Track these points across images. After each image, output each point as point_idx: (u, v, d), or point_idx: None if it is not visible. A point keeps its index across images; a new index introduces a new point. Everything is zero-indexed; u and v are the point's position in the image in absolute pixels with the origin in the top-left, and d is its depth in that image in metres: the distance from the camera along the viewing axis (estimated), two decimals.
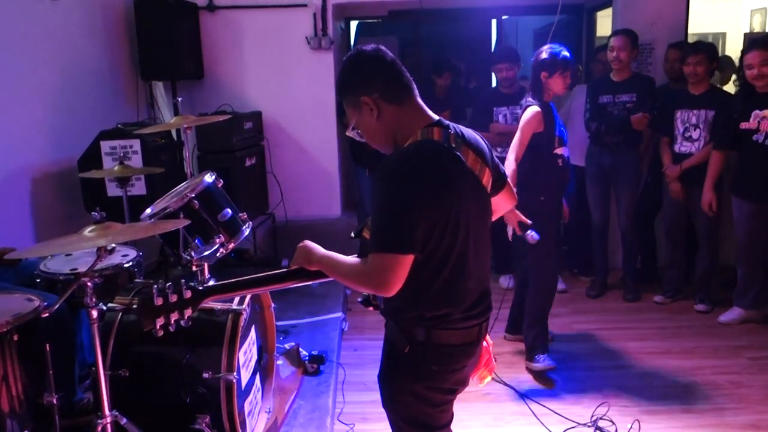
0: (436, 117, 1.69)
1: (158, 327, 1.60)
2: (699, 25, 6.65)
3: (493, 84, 5.54)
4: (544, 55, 3.36)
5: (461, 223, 1.60)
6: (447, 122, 1.68)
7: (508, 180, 1.85)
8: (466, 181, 1.63)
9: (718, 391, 3.29)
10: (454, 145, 1.62)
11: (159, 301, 1.59)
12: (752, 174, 3.87)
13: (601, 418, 3.00)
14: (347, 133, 1.77)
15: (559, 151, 3.44)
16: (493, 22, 6.92)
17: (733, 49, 7.84)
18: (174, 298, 1.61)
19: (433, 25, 6.82)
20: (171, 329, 1.63)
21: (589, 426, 2.98)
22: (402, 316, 1.68)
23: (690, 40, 4.99)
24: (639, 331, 4.03)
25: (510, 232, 3.39)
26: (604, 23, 5.67)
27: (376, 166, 5.15)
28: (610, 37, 4.38)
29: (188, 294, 1.63)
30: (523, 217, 3.25)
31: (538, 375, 3.47)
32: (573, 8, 5.80)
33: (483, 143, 1.73)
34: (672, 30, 4.83)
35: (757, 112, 3.76)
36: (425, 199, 1.53)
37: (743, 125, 3.83)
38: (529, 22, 7.56)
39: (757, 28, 6.85)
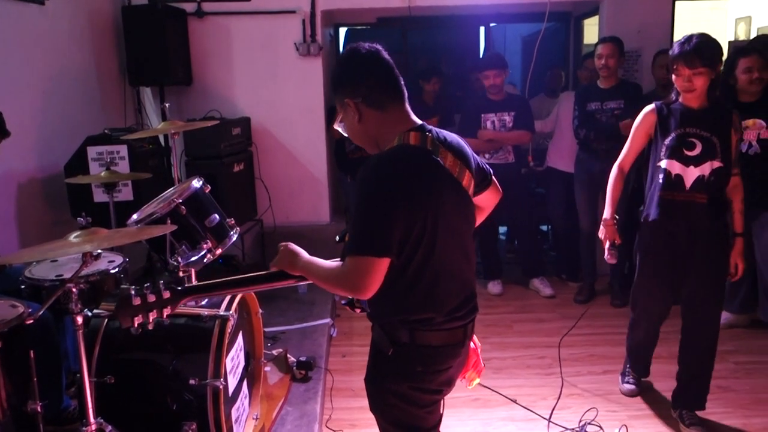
0: (418, 122, 1.69)
1: (136, 325, 1.64)
2: (684, 32, 6.72)
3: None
4: None
5: (440, 226, 1.61)
6: (429, 127, 1.69)
7: (493, 178, 1.86)
8: (443, 184, 1.63)
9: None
10: (431, 149, 1.63)
11: (137, 301, 1.62)
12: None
13: (589, 423, 3.01)
14: (334, 126, 1.80)
15: (661, 163, 2.84)
16: (482, 29, 6.97)
17: None
18: (152, 298, 1.64)
19: (422, 33, 6.86)
20: (149, 327, 1.68)
21: (577, 431, 2.99)
22: (386, 320, 1.69)
23: None
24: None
25: (605, 248, 3.06)
26: (591, 31, 5.72)
27: (358, 173, 5.20)
28: (596, 44, 4.41)
29: (167, 294, 1.66)
30: (617, 235, 3.01)
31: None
32: (560, 16, 5.85)
33: (465, 147, 1.74)
34: (658, 38, 4.88)
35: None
36: (400, 202, 1.54)
37: None
38: (517, 29, 7.63)
39: (741, 37, 6.93)
